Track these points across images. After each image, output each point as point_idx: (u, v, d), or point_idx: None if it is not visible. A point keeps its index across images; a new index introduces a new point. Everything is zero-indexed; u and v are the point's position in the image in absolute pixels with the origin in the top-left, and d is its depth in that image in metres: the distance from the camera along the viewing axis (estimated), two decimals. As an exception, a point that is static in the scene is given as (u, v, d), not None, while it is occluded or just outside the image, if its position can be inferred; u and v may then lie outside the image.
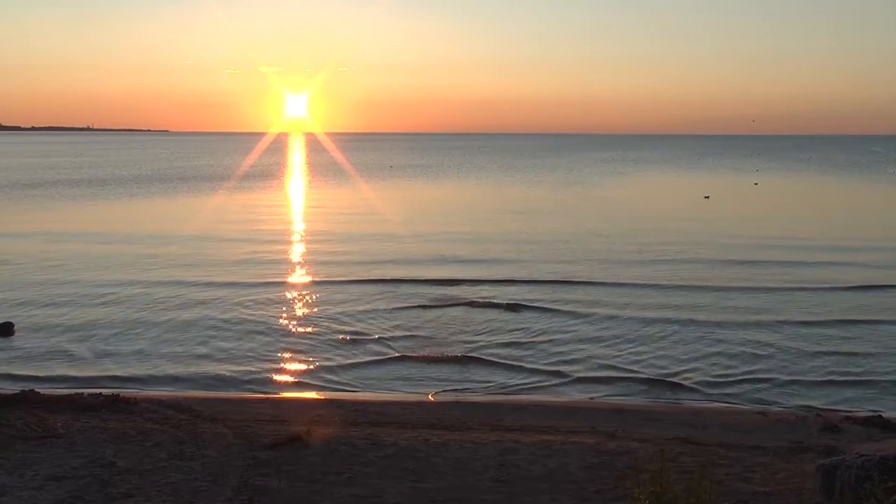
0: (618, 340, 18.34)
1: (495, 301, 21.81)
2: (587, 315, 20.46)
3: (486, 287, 23.85)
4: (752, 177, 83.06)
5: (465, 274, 25.85)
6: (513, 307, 21.20)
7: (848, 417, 13.32)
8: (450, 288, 23.62)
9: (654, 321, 19.95)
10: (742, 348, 17.85)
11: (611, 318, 20.20)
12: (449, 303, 21.65)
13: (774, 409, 14.22)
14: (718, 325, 19.76)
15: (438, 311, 20.83)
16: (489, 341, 18.16)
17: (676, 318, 20.24)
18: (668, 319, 20.19)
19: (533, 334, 18.84)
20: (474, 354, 17.16)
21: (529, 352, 17.45)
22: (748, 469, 9.83)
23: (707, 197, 56.70)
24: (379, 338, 18.31)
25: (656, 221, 41.37)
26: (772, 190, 67.44)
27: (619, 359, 17.05)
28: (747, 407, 14.36)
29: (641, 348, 17.75)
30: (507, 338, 18.45)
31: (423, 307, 21.28)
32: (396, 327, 19.30)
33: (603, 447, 10.74)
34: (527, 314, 20.68)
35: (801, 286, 24.31)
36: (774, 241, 33.67)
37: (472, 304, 21.55)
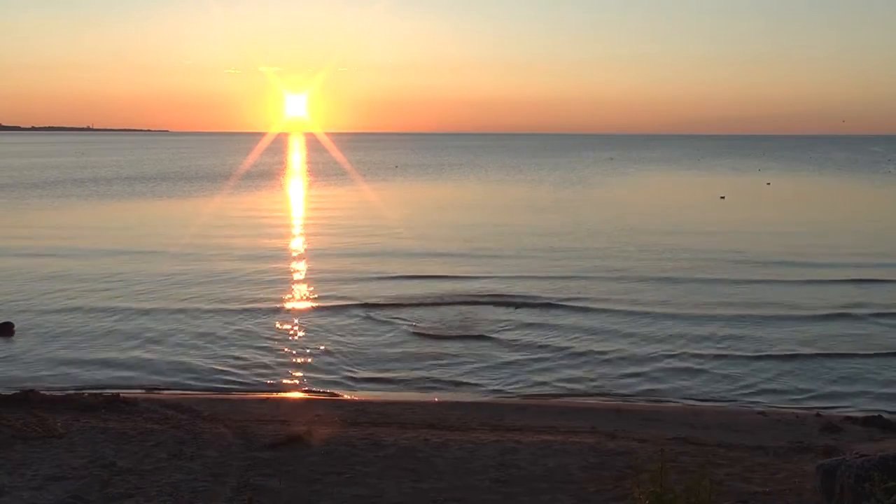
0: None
1: (496, 336, 18.85)
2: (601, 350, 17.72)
3: (490, 311, 21.09)
4: (759, 176, 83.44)
5: (468, 291, 23.39)
6: (517, 345, 18.13)
7: (848, 417, 13.32)
8: (450, 311, 21.12)
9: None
10: (741, 348, 17.90)
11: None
12: (447, 336, 18.87)
13: (774, 409, 14.22)
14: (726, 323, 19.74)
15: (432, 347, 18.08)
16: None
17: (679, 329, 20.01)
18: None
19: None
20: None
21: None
22: (748, 469, 9.82)
23: (723, 197, 56.86)
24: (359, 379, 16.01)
25: (683, 229, 38.96)
26: (785, 190, 67.64)
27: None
28: (747, 407, 14.37)
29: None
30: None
31: (418, 337, 18.79)
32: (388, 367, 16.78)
33: (603, 447, 10.73)
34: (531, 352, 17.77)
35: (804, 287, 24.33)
36: (802, 250, 31.63)
37: (471, 338, 18.66)
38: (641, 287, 24.35)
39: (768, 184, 72.31)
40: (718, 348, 17.91)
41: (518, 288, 24.00)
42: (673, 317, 20.66)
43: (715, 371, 16.42)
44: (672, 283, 25.05)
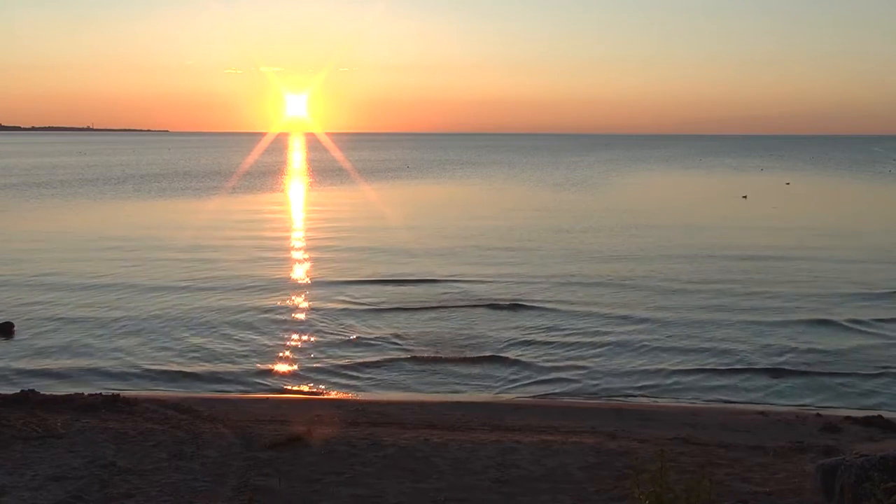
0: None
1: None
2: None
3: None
4: (772, 176, 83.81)
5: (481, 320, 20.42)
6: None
7: (848, 417, 13.29)
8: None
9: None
10: (743, 348, 17.90)
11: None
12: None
13: (774, 409, 14.20)
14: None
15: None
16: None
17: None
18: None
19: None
20: None
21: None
22: (748, 469, 9.82)
23: (745, 197, 57.18)
24: None
25: (712, 230, 38.10)
26: (804, 189, 68.04)
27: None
28: (747, 407, 14.35)
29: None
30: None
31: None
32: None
33: (603, 447, 10.72)
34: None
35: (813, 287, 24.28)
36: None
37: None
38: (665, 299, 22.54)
39: (787, 183, 72.66)
40: (719, 349, 17.90)
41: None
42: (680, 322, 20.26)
43: (715, 372, 16.43)
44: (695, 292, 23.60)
